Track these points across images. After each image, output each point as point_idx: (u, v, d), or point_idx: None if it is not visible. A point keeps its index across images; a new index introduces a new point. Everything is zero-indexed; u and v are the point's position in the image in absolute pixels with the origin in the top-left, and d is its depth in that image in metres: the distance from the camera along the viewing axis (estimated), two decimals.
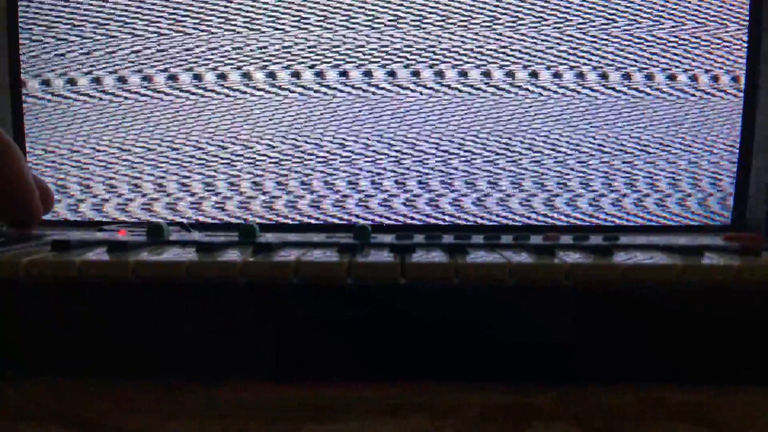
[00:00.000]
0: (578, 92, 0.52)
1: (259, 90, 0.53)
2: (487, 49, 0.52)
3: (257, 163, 0.53)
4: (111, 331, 0.29)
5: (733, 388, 0.27)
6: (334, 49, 0.53)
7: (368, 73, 0.53)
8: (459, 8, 0.52)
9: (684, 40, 0.52)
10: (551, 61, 0.53)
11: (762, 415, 0.26)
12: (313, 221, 0.54)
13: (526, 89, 0.52)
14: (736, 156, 0.53)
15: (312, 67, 0.53)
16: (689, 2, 0.52)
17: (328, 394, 0.27)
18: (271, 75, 0.53)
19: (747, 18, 0.52)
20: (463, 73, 0.53)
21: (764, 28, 0.52)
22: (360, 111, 0.53)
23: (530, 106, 0.53)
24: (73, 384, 0.27)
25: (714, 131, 0.53)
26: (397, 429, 0.24)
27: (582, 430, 0.24)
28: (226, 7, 0.52)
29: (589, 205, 0.54)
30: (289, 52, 0.53)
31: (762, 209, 0.53)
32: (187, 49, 0.53)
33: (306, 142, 0.53)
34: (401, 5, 0.52)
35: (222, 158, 0.53)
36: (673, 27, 0.53)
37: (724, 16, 0.52)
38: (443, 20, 0.52)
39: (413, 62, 0.53)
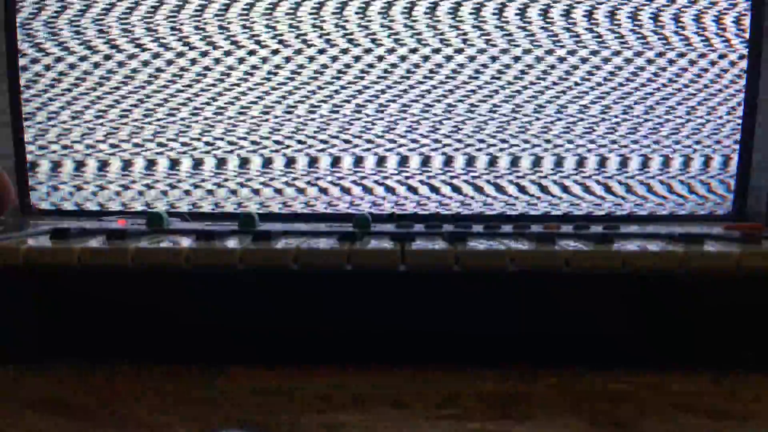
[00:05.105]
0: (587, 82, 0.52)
1: (259, 70, 0.53)
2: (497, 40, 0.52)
3: (258, 152, 0.53)
4: (110, 318, 0.29)
5: (734, 375, 0.27)
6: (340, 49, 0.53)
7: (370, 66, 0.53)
8: None
9: (690, 26, 0.52)
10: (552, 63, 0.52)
11: (763, 400, 0.26)
12: (314, 211, 0.54)
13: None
14: (737, 146, 0.53)
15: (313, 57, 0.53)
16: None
17: (327, 382, 0.27)
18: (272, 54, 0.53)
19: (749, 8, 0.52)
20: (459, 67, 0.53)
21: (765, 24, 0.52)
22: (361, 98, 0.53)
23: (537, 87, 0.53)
24: (72, 370, 0.27)
25: (715, 122, 0.53)
26: (398, 418, 0.24)
27: (579, 419, 0.23)
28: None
29: (590, 196, 0.53)
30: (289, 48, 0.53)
31: (762, 199, 0.53)
32: (188, 60, 0.53)
33: (312, 136, 0.53)
34: None
35: (223, 148, 0.53)
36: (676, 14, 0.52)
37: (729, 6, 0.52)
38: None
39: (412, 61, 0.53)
